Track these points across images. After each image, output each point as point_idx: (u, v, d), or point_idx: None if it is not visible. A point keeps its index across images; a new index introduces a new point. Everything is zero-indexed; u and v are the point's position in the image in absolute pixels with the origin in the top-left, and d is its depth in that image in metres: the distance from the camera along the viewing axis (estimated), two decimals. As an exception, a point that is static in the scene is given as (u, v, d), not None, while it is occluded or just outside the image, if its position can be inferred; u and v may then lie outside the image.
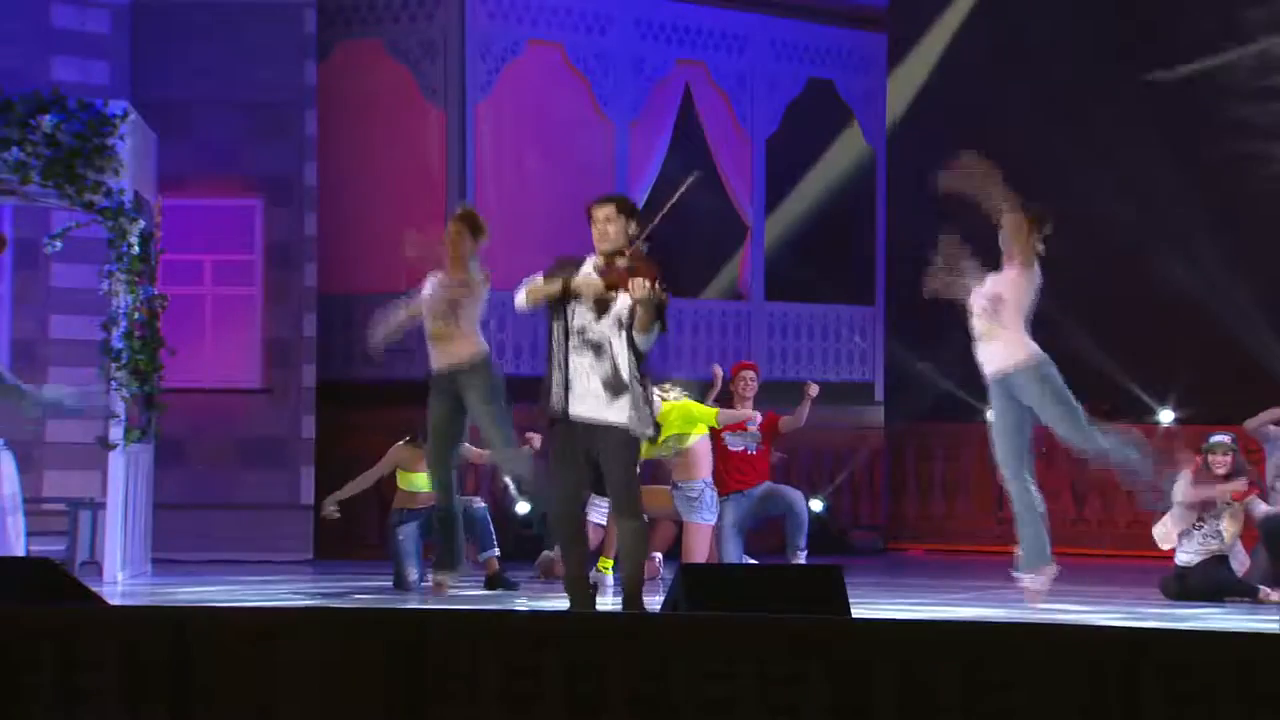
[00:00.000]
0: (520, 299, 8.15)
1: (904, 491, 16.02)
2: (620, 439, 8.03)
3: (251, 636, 5.78)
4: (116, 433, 11.65)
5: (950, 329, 16.42)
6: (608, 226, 8.09)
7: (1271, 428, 11.59)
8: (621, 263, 8.02)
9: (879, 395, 16.09)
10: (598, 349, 8.07)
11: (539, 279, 8.14)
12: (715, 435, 11.91)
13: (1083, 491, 15.37)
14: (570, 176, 14.61)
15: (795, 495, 12.00)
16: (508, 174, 14.36)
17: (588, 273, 8.10)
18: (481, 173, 14.20)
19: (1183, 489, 11.06)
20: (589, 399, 8.04)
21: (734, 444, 12.07)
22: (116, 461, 11.63)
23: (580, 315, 8.06)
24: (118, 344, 11.47)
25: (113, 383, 11.63)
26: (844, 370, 15.87)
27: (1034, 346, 9.56)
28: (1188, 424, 14.63)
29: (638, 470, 8.34)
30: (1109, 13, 15.83)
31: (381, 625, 5.85)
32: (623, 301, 8.04)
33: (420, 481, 11.53)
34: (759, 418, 12.00)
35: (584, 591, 8.09)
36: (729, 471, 11.99)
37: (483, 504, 11.66)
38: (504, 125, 14.33)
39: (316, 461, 13.63)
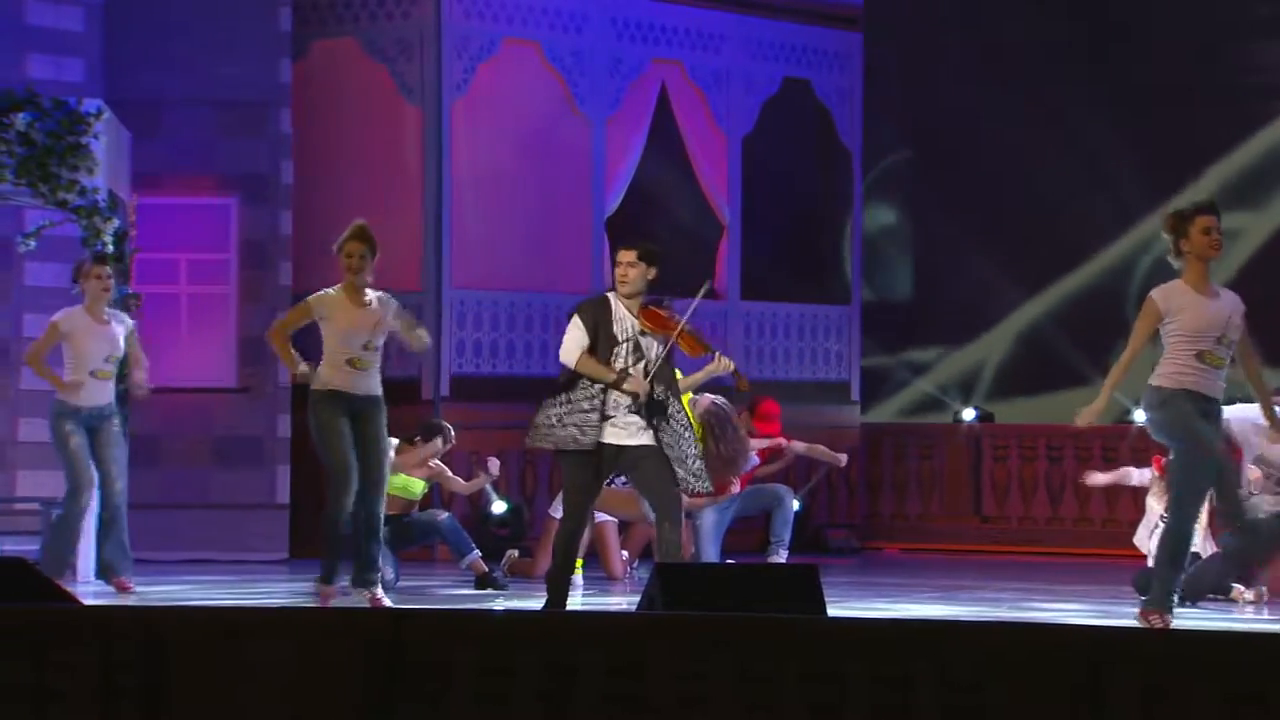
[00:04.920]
0: (570, 360, 8.81)
1: (879, 491, 16.06)
2: (661, 457, 8.78)
3: (225, 636, 5.78)
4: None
5: (926, 328, 16.50)
6: (629, 270, 8.81)
7: (1250, 429, 11.51)
8: (669, 334, 8.85)
9: (855, 394, 16.12)
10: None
11: (583, 338, 8.79)
12: None
13: (1058, 490, 15.42)
14: (547, 174, 14.62)
15: (784, 490, 12.01)
16: (484, 172, 14.36)
17: (628, 330, 8.81)
18: (458, 171, 14.20)
19: (1147, 478, 11.14)
20: (630, 427, 8.80)
21: None
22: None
23: (621, 360, 8.79)
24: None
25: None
26: (819, 370, 15.90)
27: None
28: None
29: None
30: (1083, 12, 15.88)
31: (355, 624, 5.85)
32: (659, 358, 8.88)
33: (397, 483, 11.57)
34: (755, 460, 11.99)
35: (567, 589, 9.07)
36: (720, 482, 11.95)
37: (446, 514, 11.71)
38: (480, 123, 14.33)
39: (292, 461, 13.62)
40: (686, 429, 8.90)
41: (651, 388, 8.77)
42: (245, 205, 13.78)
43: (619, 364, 8.79)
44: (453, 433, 11.87)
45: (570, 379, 8.87)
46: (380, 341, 9.68)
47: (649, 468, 8.86)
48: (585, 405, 8.76)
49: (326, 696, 5.67)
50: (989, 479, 15.69)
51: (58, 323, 10.64)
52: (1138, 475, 11.31)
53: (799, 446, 12.29)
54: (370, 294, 9.67)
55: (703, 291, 9.00)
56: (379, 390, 9.69)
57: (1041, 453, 15.52)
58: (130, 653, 5.68)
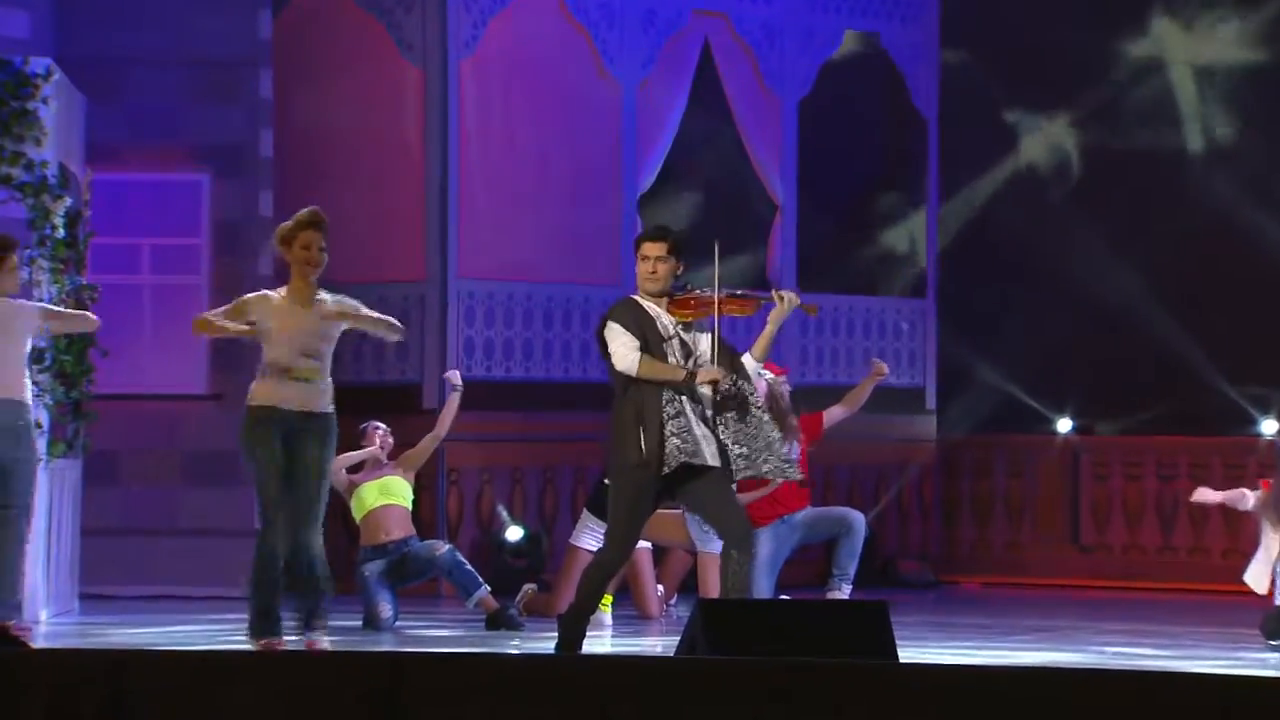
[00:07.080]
0: (631, 366, 8.93)
1: (959, 515, 16.07)
2: (724, 476, 8.98)
3: (199, 684, 5.83)
4: (39, 446, 11.69)
5: (1011, 325, 16.50)
6: (659, 265, 9.00)
7: None
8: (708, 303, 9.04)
9: (930, 403, 16.12)
10: (694, 396, 9.01)
11: (633, 341, 8.96)
12: None
13: (1170, 516, 15.40)
14: (570, 146, 14.67)
15: (854, 516, 11.97)
16: (496, 143, 14.41)
17: (669, 328, 9.03)
18: (465, 142, 14.25)
19: (1259, 503, 11.15)
20: (703, 443, 8.95)
21: None
22: (39, 480, 11.68)
23: (674, 359, 8.97)
24: (40, 343, 11.52)
25: (34, 388, 11.69)
26: (889, 373, 15.90)
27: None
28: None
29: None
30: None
31: (350, 671, 5.89)
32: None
33: (368, 496, 11.64)
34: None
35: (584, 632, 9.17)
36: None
37: (446, 547, 11.73)
38: (492, 86, 14.39)
39: (272, 480, 13.68)
40: (765, 413, 9.03)
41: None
42: (218, 182, 13.85)
43: (673, 362, 8.95)
44: (385, 430, 11.92)
45: (636, 394, 8.91)
46: (328, 349, 9.53)
47: (712, 489, 8.93)
48: (670, 412, 8.89)
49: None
50: (1088, 501, 15.69)
51: None
52: (1253, 498, 11.32)
53: (837, 413, 12.26)
54: (324, 294, 9.56)
55: (716, 253, 9.05)
56: (326, 407, 9.48)
57: (1150, 471, 15.51)
58: (90, 703, 5.73)
